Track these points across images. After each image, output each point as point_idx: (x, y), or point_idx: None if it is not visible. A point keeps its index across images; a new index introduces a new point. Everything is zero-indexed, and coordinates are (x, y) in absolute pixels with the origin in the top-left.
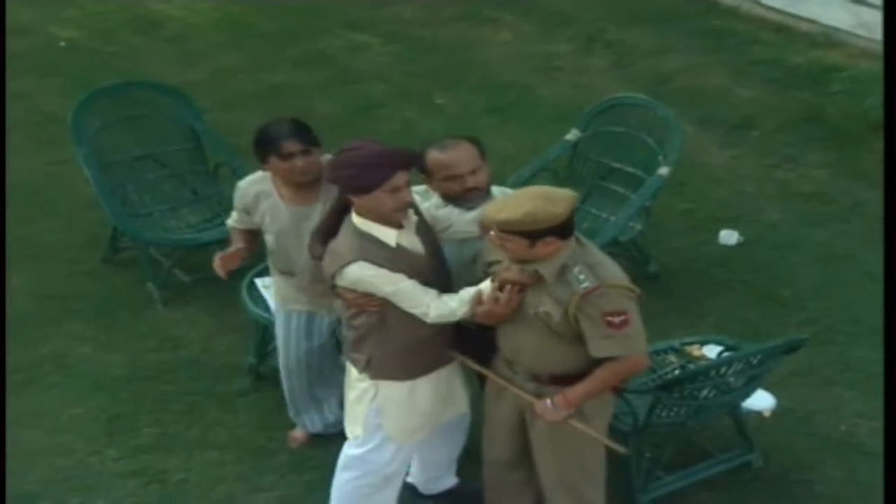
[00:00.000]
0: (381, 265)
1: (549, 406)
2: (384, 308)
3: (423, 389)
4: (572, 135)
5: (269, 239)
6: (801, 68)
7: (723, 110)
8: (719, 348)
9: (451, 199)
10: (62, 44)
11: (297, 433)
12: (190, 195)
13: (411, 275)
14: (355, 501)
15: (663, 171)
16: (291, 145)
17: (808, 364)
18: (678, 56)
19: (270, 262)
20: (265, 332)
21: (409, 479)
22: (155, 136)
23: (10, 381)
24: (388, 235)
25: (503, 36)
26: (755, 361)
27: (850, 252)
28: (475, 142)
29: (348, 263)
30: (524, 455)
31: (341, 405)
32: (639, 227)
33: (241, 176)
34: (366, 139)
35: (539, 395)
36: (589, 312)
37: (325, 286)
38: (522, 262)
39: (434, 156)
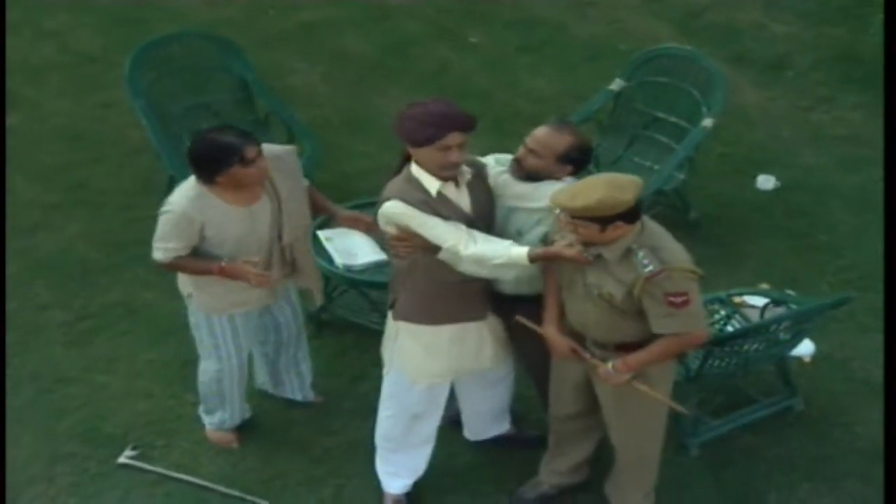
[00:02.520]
0: (416, 207)
1: (611, 371)
2: (415, 254)
3: (445, 338)
4: (616, 84)
5: (225, 249)
6: (835, 2)
7: (757, 48)
8: (762, 297)
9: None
10: None
11: (226, 436)
12: None
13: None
14: (389, 435)
15: (707, 122)
16: (253, 149)
17: (846, 310)
18: None
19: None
20: (327, 283)
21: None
22: (206, 86)
23: (79, 327)
24: (432, 185)
25: None
26: (805, 318)
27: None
28: None
29: (386, 200)
30: (589, 409)
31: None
32: (682, 176)
33: (293, 127)
34: (437, 98)
35: (604, 360)
36: (652, 293)
37: (287, 268)
38: (589, 244)
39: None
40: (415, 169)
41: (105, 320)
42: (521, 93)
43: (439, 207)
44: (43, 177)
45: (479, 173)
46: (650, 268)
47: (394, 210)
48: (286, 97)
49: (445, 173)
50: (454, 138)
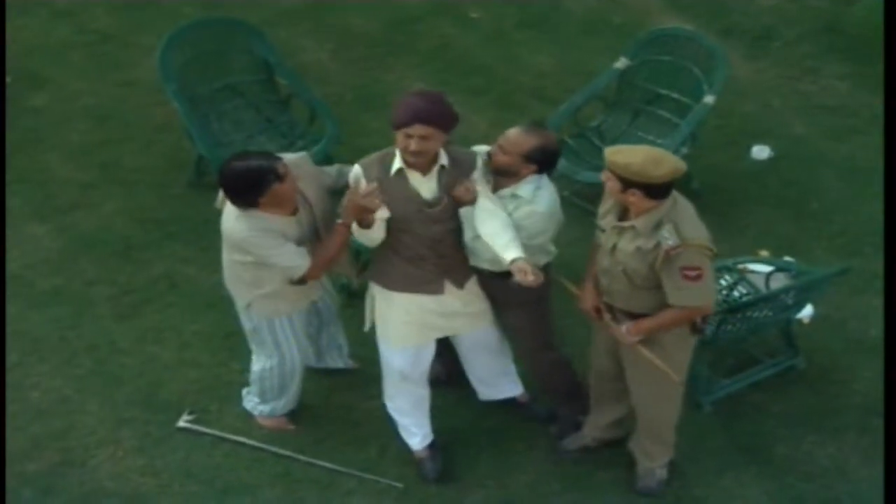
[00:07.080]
0: (368, 179)
1: (623, 331)
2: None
3: (411, 305)
4: (621, 63)
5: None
6: None
7: (745, 20)
8: (767, 265)
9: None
10: None
11: (280, 421)
12: (265, 123)
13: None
14: (390, 395)
15: (709, 99)
16: (282, 164)
17: None
18: None
19: (278, 282)
20: (357, 254)
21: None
22: (231, 68)
23: (126, 301)
24: (395, 165)
25: None
26: (811, 287)
27: (871, 165)
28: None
29: (354, 165)
30: (621, 371)
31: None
32: (686, 150)
33: (316, 106)
34: (428, 91)
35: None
36: (670, 266)
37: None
38: (624, 208)
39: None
40: (396, 147)
41: (150, 294)
42: (522, 68)
43: (388, 189)
44: (75, 155)
45: (464, 165)
46: (671, 241)
47: (352, 175)
48: (303, 74)
49: (406, 157)
50: (417, 129)
